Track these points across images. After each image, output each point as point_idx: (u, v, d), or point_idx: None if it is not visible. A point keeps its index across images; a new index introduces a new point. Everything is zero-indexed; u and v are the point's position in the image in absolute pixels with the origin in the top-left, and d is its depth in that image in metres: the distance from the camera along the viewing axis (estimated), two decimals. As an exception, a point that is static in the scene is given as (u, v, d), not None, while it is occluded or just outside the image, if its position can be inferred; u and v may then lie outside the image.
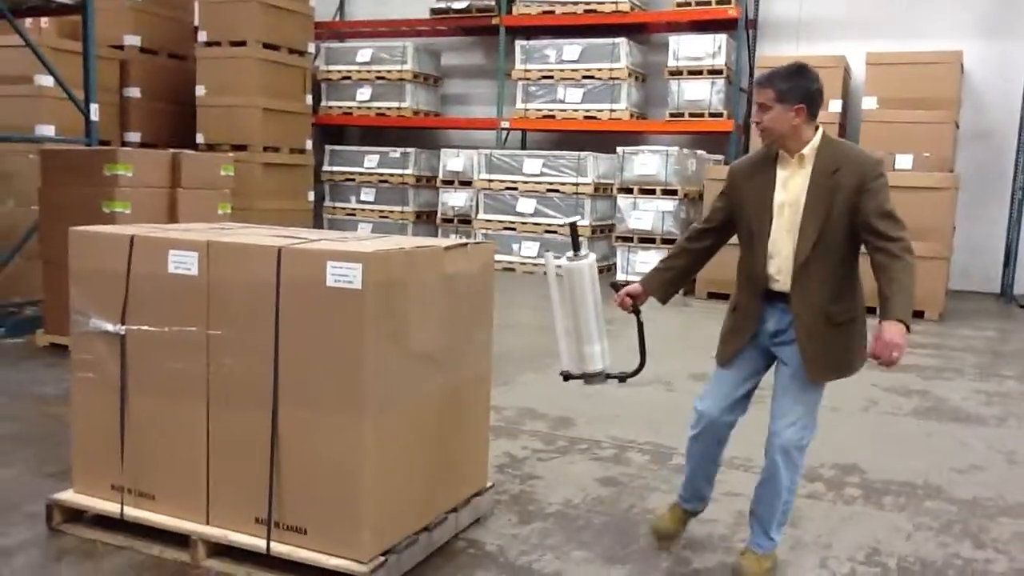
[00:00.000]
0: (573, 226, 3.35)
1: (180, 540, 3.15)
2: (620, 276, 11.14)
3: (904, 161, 9.87)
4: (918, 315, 9.23)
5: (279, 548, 3.00)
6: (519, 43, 13.00)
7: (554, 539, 3.49)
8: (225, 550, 3.10)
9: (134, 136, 11.33)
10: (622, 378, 3.25)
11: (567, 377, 3.22)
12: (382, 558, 2.97)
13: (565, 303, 3.19)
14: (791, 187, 3.08)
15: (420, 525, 3.21)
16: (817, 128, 3.08)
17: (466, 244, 3.41)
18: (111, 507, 3.30)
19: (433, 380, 3.23)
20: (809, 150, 3.05)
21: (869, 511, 3.92)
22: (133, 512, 3.26)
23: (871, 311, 2.93)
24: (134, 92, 11.34)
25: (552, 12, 12.88)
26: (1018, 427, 5.43)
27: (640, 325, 3.28)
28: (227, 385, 3.09)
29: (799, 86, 3.01)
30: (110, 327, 3.26)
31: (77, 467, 3.41)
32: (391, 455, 3.02)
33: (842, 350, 3.10)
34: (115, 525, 3.29)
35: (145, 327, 3.21)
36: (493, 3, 13.34)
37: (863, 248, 3.03)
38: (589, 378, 3.18)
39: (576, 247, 3.23)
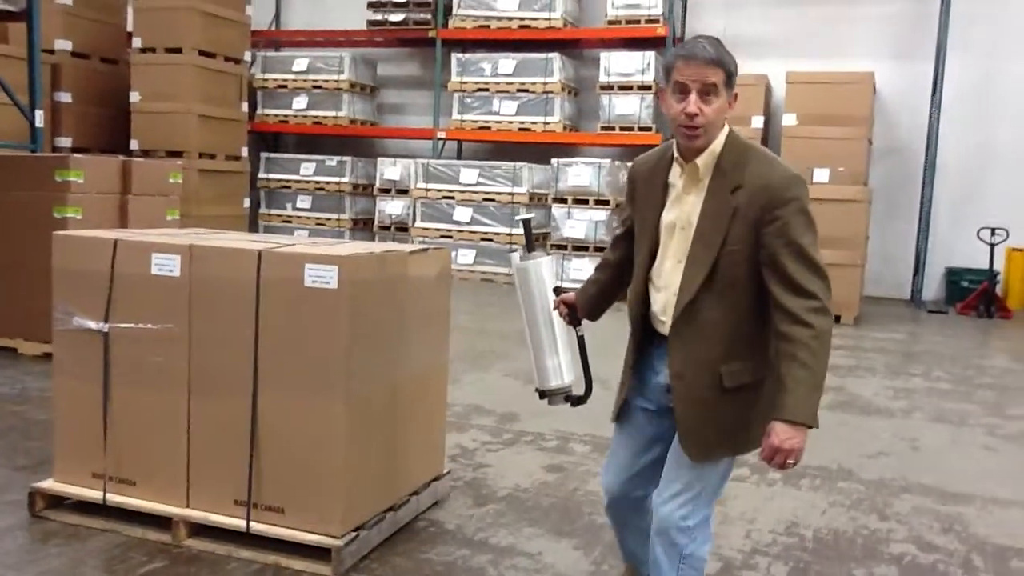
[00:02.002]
0: (527, 224, 2.91)
1: (161, 522, 3.38)
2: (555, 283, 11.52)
3: (821, 175, 10.47)
4: (833, 319, 9.80)
5: (258, 527, 3.27)
6: (455, 56, 13.32)
7: (507, 518, 3.81)
8: (206, 530, 3.35)
9: (65, 141, 11.26)
10: (573, 402, 2.82)
11: (540, 394, 2.82)
12: (353, 533, 3.25)
13: (521, 307, 2.85)
14: (685, 203, 2.42)
15: (386, 505, 3.50)
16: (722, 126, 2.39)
17: (427, 249, 3.72)
18: (93, 494, 3.51)
19: (399, 372, 3.52)
20: (709, 156, 2.37)
21: (789, 491, 4.35)
22: (115, 498, 3.47)
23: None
24: (65, 97, 11.26)
25: (488, 27, 13.23)
26: (922, 419, 5.95)
27: (580, 340, 2.82)
28: (208, 377, 3.34)
29: (737, 67, 2.37)
30: (93, 325, 3.47)
31: (59, 456, 3.60)
32: (361, 440, 3.30)
33: (732, 423, 2.41)
34: (96, 510, 3.50)
35: (128, 325, 3.43)
36: (429, 16, 13.63)
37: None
38: (550, 396, 2.80)
39: (530, 246, 2.87)
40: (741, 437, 2.42)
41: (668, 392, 2.46)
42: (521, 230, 2.98)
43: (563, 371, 2.78)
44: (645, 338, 2.54)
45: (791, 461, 2.28)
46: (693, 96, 2.29)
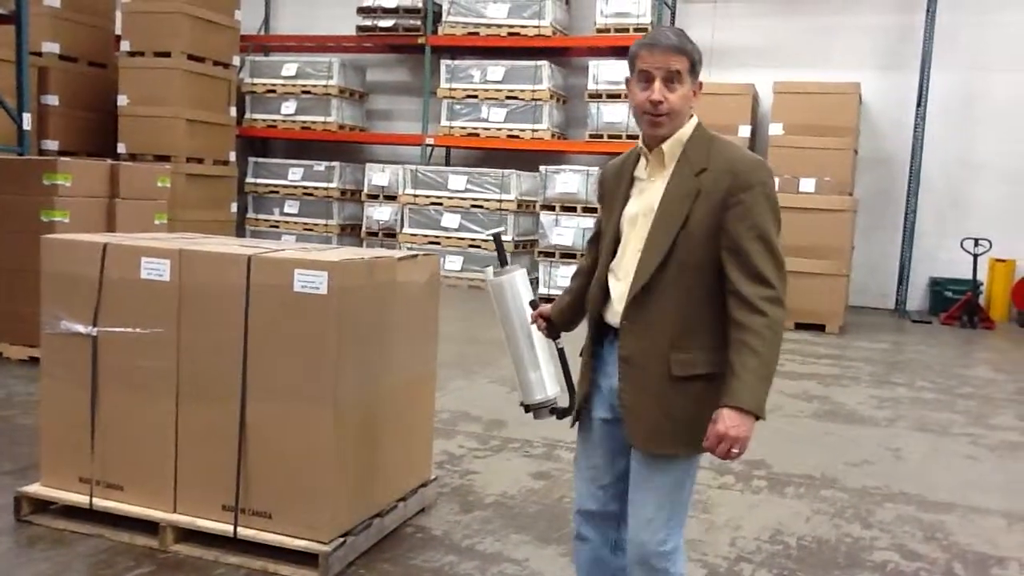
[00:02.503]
0: (497, 238, 2.97)
1: (148, 527, 3.38)
2: (542, 290, 11.57)
3: (808, 184, 10.54)
4: (818, 329, 9.88)
5: (245, 532, 3.27)
6: (444, 62, 13.35)
7: (493, 525, 3.83)
8: (193, 535, 3.36)
9: (52, 144, 11.20)
10: (559, 415, 2.75)
11: (525, 408, 2.78)
12: (341, 539, 3.26)
13: (499, 323, 2.80)
14: (649, 192, 2.37)
15: (373, 511, 3.51)
16: (690, 117, 2.38)
17: (416, 256, 3.74)
18: (79, 498, 3.51)
19: (386, 378, 3.54)
20: (675, 143, 2.34)
21: (773, 499, 4.38)
22: (102, 502, 3.47)
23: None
24: (52, 100, 11.19)
25: (477, 34, 13.26)
26: (905, 428, 5.99)
27: (560, 352, 2.75)
28: (197, 382, 3.34)
29: (700, 55, 2.36)
30: (81, 329, 3.47)
31: (45, 461, 3.60)
32: (350, 446, 3.32)
33: (685, 417, 2.29)
34: (83, 515, 3.50)
35: (117, 328, 3.43)
36: (419, 23, 13.66)
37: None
38: (535, 410, 2.76)
39: (502, 260, 2.88)
40: (698, 434, 2.25)
41: (618, 394, 2.38)
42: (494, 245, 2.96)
43: (546, 384, 2.73)
44: (603, 336, 2.45)
45: (736, 450, 2.20)
46: (657, 84, 2.28)
